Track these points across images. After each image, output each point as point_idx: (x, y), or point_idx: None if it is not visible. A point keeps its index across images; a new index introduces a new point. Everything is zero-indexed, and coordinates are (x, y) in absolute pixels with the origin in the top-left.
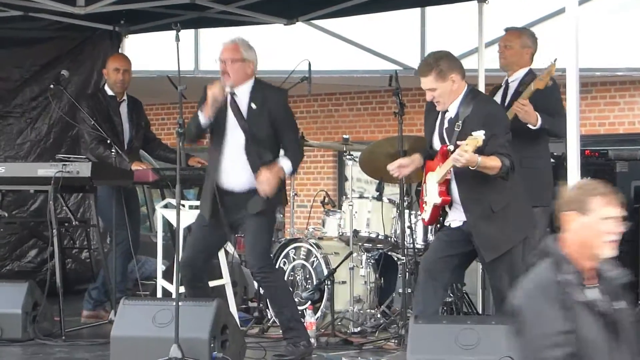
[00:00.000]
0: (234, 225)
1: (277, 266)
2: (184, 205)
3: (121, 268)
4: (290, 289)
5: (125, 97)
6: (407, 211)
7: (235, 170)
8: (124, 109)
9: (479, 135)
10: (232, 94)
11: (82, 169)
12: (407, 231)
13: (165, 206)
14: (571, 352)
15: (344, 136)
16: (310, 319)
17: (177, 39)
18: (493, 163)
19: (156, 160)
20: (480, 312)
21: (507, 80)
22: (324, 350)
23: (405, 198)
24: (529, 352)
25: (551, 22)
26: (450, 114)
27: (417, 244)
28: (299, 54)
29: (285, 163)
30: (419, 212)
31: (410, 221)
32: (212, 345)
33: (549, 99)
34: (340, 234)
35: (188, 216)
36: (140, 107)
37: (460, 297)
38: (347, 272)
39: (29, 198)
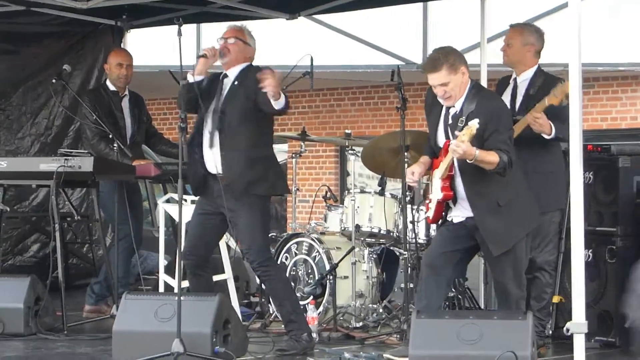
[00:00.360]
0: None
1: (279, 261)
2: (186, 200)
3: (123, 263)
4: (291, 282)
5: (127, 92)
6: (409, 206)
7: (214, 149)
8: (125, 104)
9: (472, 125)
10: (225, 76)
11: (85, 163)
12: (409, 226)
13: (168, 201)
14: None
15: (346, 131)
16: (312, 314)
17: (179, 33)
18: (491, 158)
19: (158, 155)
20: (483, 307)
21: (515, 78)
22: (326, 345)
23: (407, 193)
24: None
25: (554, 17)
26: (455, 109)
27: (419, 239)
28: (301, 48)
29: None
30: (421, 207)
31: (412, 216)
32: (214, 339)
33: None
34: (343, 228)
35: (190, 211)
36: (142, 102)
37: (462, 292)
38: (349, 267)
39: (31, 193)
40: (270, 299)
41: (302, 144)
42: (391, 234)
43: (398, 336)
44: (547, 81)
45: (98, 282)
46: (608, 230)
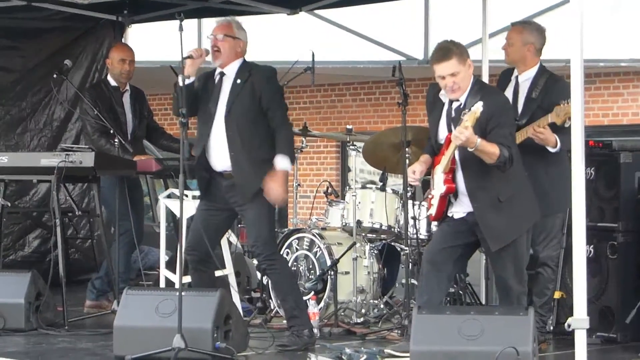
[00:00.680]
0: (233, 208)
1: None
2: (187, 196)
3: (124, 258)
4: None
5: (128, 88)
6: (410, 202)
7: (221, 149)
8: (126, 99)
9: (477, 108)
10: (222, 74)
11: (86, 158)
12: (411, 222)
13: (169, 196)
14: None
15: (347, 126)
16: (313, 309)
17: (181, 28)
18: (492, 149)
19: (159, 150)
20: (484, 303)
21: (516, 77)
22: (327, 341)
23: (408, 188)
24: None
25: (555, 13)
26: (459, 102)
27: (420, 234)
28: (302, 44)
29: (282, 162)
30: (422, 203)
31: (413, 212)
32: (215, 335)
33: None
34: (344, 224)
35: (191, 206)
36: (143, 97)
37: (463, 287)
38: (350, 262)
39: (32, 188)
40: (274, 293)
41: (303, 139)
42: (392, 229)
43: (399, 332)
44: (550, 82)
45: (99, 277)
46: (609, 226)
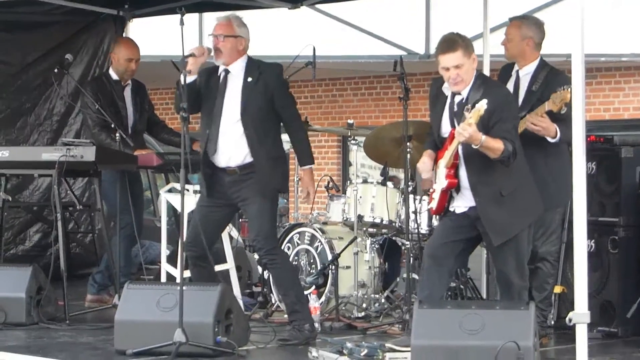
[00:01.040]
0: (235, 203)
1: None
2: (188, 190)
3: (125, 252)
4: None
5: (129, 81)
6: (411, 196)
7: (231, 147)
8: (128, 93)
9: (481, 105)
10: (226, 72)
11: (87, 153)
12: (412, 216)
13: (170, 191)
14: None
15: (348, 121)
16: (314, 304)
17: (182, 23)
18: (496, 145)
19: (160, 144)
20: (485, 297)
21: (517, 71)
22: (328, 335)
23: (409, 183)
24: None
25: (556, 8)
26: (461, 96)
27: (421, 229)
28: (303, 38)
29: (305, 161)
30: (424, 197)
31: (414, 206)
32: (216, 329)
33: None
34: (345, 218)
35: (192, 201)
36: (144, 91)
37: (464, 282)
38: (351, 257)
39: (32, 182)
40: (275, 288)
41: None
42: (393, 224)
43: (400, 326)
44: (550, 76)
45: (100, 271)
46: (610, 220)
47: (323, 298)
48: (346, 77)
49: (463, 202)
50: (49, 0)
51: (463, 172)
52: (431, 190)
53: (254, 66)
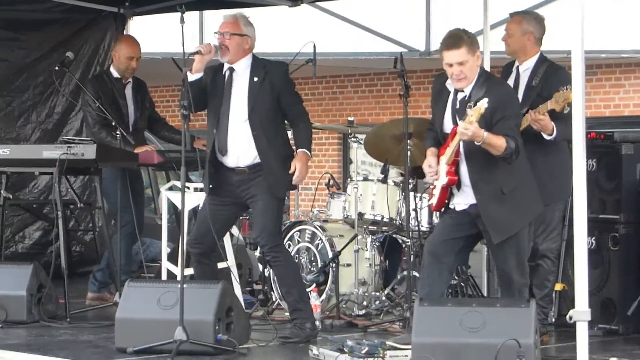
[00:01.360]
0: (244, 201)
1: None
2: (188, 188)
3: (126, 250)
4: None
5: (130, 79)
6: (412, 194)
7: (240, 147)
8: (128, 90)
9: (482, 104)
10: (232, 70)
11: (87, 151)
12: (412, 214)
13: (170, 188)
14: None
15: (349, 118)
16: (315, 302)
17: (182, 21)
18: (499, 142)
19: (161, 141)
20: (485, 295)
21: (517, 67)
22: (329, 333)
23: (410, 180)
24: None
25: (557, 4)
26: (464, 94)
27: (422, 226)
28: (303, 35)
29: (302, 146)
30: (424, 195)
31: (415, 204)
32: (216, 327)
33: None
34: (345, 216)
35: (193, 198)
36: (145, 88)
37: (465, 279)
38: (351, 254)
39: (31, 180)
40: (278, 286)
41: None
42: (394, 221)
43: (401, 324)
44: (550, 71)
45: (100, 269)
46: (611, 217)
47: (324, 296)
48: (347, 75)
49: (463, 200)
50: None
51: (464, 169)
52: (432, 186)
53: (260, 65)
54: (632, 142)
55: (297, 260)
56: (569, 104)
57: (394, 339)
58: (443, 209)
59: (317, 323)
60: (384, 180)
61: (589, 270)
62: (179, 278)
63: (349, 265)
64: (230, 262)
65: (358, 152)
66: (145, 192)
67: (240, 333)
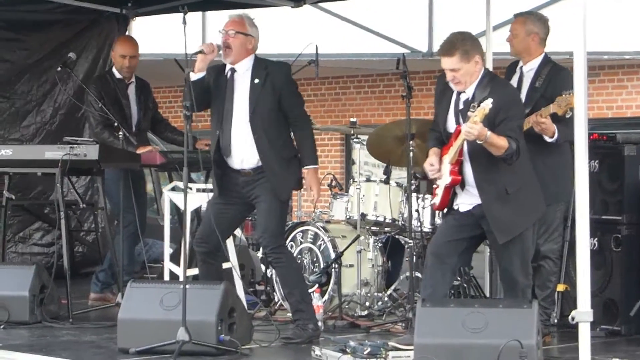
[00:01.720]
0: (250, 202)
1: None
2: (191, 189)
3: (128, 251)
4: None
5: (133, 79)
6: (414, 194)
7: (243, 149)
8: (131, 90)
9: (486, 104)
10: (233, 71)
11: (90, 151)
12: (415, 214)
13: (173, 189)
14: None
15: (352, 119)
16: (317, 302)
17: (184, 21)
18: (501, 142)
19: (163, 142)
20: (488, 296)
21: (521, 67)
22: (331, 334)
23: (412, 181)
24: None
25: (559, 5)
26: (467, 95)
27: (424, 227)
28: (306, 36)
29: (309, 160)
30: (426, 196)
31: (417, 204)
32: (219, 328)
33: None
34: (348, 217)
35: (195, 199)
36: (148, 89)
37: (467, 280)
38: (354, 255)
39: (33, 180)
40: (280, 286)
41: None
42: (396, 222)
43: (403, 325)
44: (553, 72)
45: (103, 270)
46: (613, 218)
47: (326, 296)
48: (349, 75)
49: (467, 200)
50: None
51: (468, 169)
52: (435, 186)
53: (261, 66)
54: (635, 143)
55: (299, 261)
56: (572, 109)
57: (397, 340)
58: (446, 210)
59: (320, 324)
60: (387, 181)
61: (592, 271)
62: (181, 279)
63: (351, 266)
64: (233, 262)
65: (360, 153)
66: (148, 192)
67: (242, 334)
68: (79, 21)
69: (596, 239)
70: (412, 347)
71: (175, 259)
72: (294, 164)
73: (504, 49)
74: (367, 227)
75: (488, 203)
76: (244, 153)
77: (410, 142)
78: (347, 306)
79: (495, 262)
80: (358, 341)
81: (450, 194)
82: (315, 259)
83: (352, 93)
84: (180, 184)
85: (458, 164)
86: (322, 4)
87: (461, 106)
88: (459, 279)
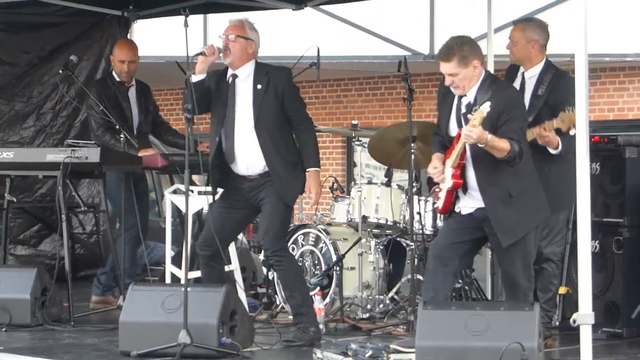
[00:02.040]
0: (256, 205)
1: None
2: (192, 191)
3: (130, 253)
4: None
5: (133, 82)
6: (416, 197)
7: (249, 156)
8: (132, 93)
9: (484, 107)
10: (234, 77)
11: (91, 154)
12: (416, 217)
13: (174, 192)
14: None
15: (353, 122)
16: (319, 305)
17: (186, 24)
18: (503, 144)
19: (164, 145)
20: (490, 298)
21: (523, 73)
22: (333, 336)
23: (414, 184)
24: None
25: (560, 7)
26: (468, 98)
27: (426, 230)
28: (307, 39)
29: (311, 162)
30: (428, 198)
31: (419, 207)
32: (220, 330)
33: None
34: (349, 219)
35: (197, 202)
36: (148, 92)
37: (469, 283)
38: (355, 258)
39: (34, 183)
40: (281, 289)
41: None
42: (398, 225)
43: (405, 327)
44: (555, 79)
45: (105, 272)
46: (615, 221)
47: (327, 299)
48: (350, 78)
49: (470, 203)
50: (53, 1)
51: (471, 173)
52: (438, 189)
53: (262, 71)
54: (636, 145)
55: (301, 264)
56: (574, 125)
57: (398, 343)
58: (448, 213)
59: (321, 326)
60: (388, 184)
61: (593, 273)
62: (183, 281)
63: (352, 268)
64: (234, 265)
65: (362, 156)
66: (149, 195)
67: (244, 336)
68: (81, 24)
69: (598, 241)
70: (413, 350)
71: (176, 261)
72: (298, 169)
73: (505, 51)
74: (369, 230)
75: (491, 206)
76: (249, 159)
77: (412, 144)
78: (348, 309)
79: (497, 264)
80: (359, 344)
81: (453, 197)
82: (316, 262)
83: (353, 95)
84: (182, 187)
85: (460, 167)
86: (323, 7)
87: (463, 110)
88: (460, 281)
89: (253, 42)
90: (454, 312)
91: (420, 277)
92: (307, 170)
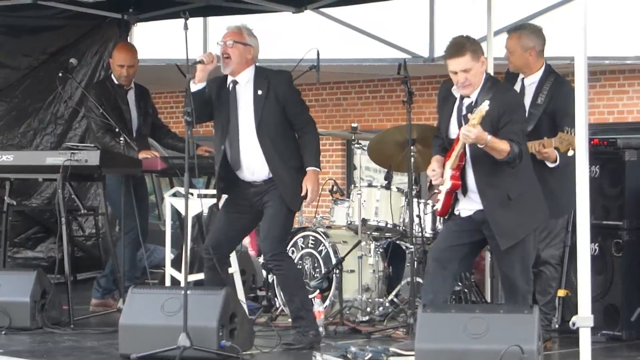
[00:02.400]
0: (260, 210)
1: None
2: (192, 194)
3: (130, 256)
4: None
5: (132, 85)
6: (415, 200)
7: (254, 163)
8: (131, 96)
9: (483, 106)
10: (235, 83)
11: (91, 157)
12: (416, 220)
13: (174, 195)
14: None
15: (353, 125)
16: (318, 308)
17: (186, 27)
18: (502, 145)
19: (164, 148)
20: (489, 301)
21: (522, 79)
22: (332, 339)
23: (414, 187)
24: None
25: (560, 10)
26: (470, 100)
27: (425, 232)
28: (307, 42)
29: (311, 162)
30: (428, 201)
31: (418, 210)
32: (220, 333)
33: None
34: (349, 222)
35: (196, 205)
36: (147, 95)
37: (468, 285)
38: (355, 260)
39: (34, 186)
40: (281, 292)
41: None
42: (397, 227)
43: (404, 330)
44: (555, 87)
45: (104, 275)
46: (614, 223)
47: (327, 302)
48: (350, 81)
49: (469, 205)
50: (54, 4)
51: (470, 175)
52: (437, 191)
53: (262, 77)
54: (636, 148)
55: (300, 266)
56: (573, 148)
57: (398, 345)
58: (447, 215)
59: (321, 329)
60: (388, 187)
61: (592, 276)
62: (182, 284)
63: (352, 271)
64: (234, 268)
65: (362, 158)
66: (149, 198)
67: (243, 339)
68: (81, 27)
69: (597, 244)
70: (413, 353)
71: (176, 264)
72: (302, 174)
73: (504, 54)
74: (368, 233)
75: (490, 208)
76: (254, 166)
77: (412, 147)
78: (348, 312)
79: (496, 267)
80: (359, 347)
81: (452, 199)
82: (316, 265)
83: (353, 98)
84: (182, 190)
85: (459, 169)
86: (323, 9)
87: (464, 111)
88: (460, 284)
89: (252, 47)
90: (454, 314)
91: (419, 279)
92: (307, 168)
